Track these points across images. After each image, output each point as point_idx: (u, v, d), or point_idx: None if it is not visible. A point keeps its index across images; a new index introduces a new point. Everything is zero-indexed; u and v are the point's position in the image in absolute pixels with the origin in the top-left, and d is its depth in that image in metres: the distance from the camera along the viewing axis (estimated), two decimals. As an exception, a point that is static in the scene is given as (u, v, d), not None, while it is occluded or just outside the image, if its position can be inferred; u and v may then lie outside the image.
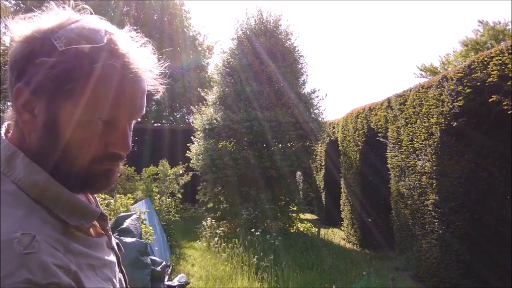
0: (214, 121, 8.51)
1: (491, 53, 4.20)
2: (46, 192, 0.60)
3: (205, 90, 9.72)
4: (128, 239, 3.68)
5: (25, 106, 0.60)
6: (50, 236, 0.56)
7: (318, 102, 9.08)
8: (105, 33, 0.61)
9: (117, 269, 0.75)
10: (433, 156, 5.03)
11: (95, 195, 0.80)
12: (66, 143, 0.60)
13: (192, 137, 9.24)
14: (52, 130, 0.60)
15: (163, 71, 0.70)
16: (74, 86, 0.58)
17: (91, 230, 0.69)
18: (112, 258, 0.73)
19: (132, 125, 0.69)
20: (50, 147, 0.61)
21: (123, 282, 0.78)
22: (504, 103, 4.01)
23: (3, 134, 0.65)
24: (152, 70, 0.66)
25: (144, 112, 0.67)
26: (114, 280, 0.71)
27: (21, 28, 0.61)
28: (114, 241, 0.78)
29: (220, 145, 8.59)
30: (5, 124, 0.67)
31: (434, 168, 5.01)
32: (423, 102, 5.35)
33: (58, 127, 0.60)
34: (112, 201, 4.83)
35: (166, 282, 4.51)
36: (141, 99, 0.65)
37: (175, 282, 4.56)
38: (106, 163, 0.65)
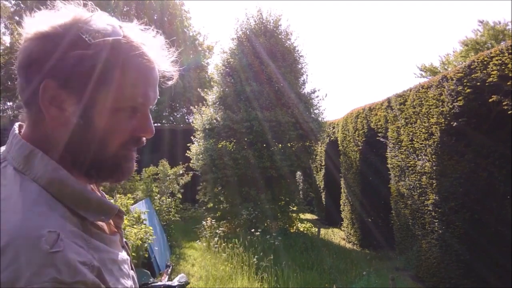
0: (214, 121, 8.51)
1: (491, 53, 4.20)
2: (66, 188, 0.60)
3: (205, 90, 9.72)
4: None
5: (53, 101, 0.60)
6: (73, 233, 0.56)
7: (318, 102, 9.09)
8: (119, 26, 0.64)
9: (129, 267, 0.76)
10: (433, 156, 5.03)
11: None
12: (101, 132, 0.62)
13: (192, 137, 9.24)
14: (87, 122, 0.61)
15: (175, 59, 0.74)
16: (106, 77, 0.60)
17: (105, 227, 0.69)
18: (125, 255, 0.74)
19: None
20: (84, 138, 0.62)
21: (136, 280, 0.78)
22: (504, 103, 4.01)
23: (16, 132, 0.65)
24: (167, 57, 0.70)
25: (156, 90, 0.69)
26: (131, 277, 0.72)
27: (35, 25, 0.61)
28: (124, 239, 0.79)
29: (220, 145, 8.59)
30: (16, 124, 0.67)
31: (434, 168, 5.01)
32: (423, 102, 5.35)
33: (93, 117, 0.61)
34: (112, 201, 4.83)
35: (166, 282, 4.51)
36: (156, 86, 0.68)
37: (175, 282, 4.56)
38: (130, 147, 0.68)
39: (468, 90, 4.42)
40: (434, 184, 5.02)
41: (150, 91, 0.66)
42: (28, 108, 0.63)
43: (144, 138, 0.69)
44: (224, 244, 6.17)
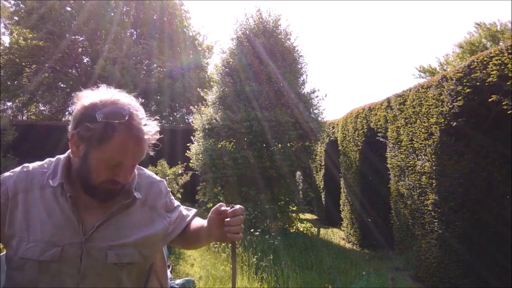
0: (214, 121, 8.50)
1: (490, 53, 4.20)
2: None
3: (205, 90, 9.72)
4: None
5: (75, 144, 1.03)
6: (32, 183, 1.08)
7: (317, 102, 9.09)
8: (128, 110, 1.00)
9: None
10: (433, 156, 5.03)
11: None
12: (90, 169, 1.01)
13: (191, 137, 9.23)
14: (85, 161, 1.01)
15: (158, 123, 1.09)
16: (99, 143, 0.98)
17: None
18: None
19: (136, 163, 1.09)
20: (82, 169, 1.02)
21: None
22: (503, 103, 4.01)
23: (62, 157, 1.13)
24: (150, 134, 1.04)
25: (141, 157, 1.06)
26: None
27: (84, 98, 1.03)
28: None
29: (220, 145, 8.59)
30: (67, 152, 1.10)
31: (434, 168, 5.01)
32: (422, 102, 5.35)
33: (88, 161, 1.00)
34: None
35: (170, 282, 4.47)
36: (139, 152, 1.03)
37: (177, 281, 4.53)
38: (109, 185, 1.03)
39: (468, 90, 4.42)
40: (434, 184, 5.02)
41: (126, 160, 1.01)
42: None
43: (122, 182, 1.04)
44: (223, 244, 6.17)
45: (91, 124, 0.97)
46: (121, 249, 1.06)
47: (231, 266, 5.33)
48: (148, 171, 1.25)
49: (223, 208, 1.11)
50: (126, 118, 0.97)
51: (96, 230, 1.04)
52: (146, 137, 1.02)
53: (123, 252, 1.06)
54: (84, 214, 1.05)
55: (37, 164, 1.12)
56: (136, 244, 1.08)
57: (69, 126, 1.04)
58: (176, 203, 1.30)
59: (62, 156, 1.12)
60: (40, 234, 1.00)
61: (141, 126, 1.01)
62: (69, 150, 1.08)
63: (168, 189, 1.29)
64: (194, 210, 1.35)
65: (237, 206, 1.11)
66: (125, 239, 1.07)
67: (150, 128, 1.03)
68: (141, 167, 1.23)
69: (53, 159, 1.13)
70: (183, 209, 1.31)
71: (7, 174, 1.08)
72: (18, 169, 1.09)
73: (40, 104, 20.69)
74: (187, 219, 1.28)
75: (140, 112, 1.03)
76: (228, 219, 1.09)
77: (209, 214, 1.14)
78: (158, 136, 1.07)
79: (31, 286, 0.99)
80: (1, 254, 1.20)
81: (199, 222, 1.27)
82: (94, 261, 1.02)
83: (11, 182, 1.05)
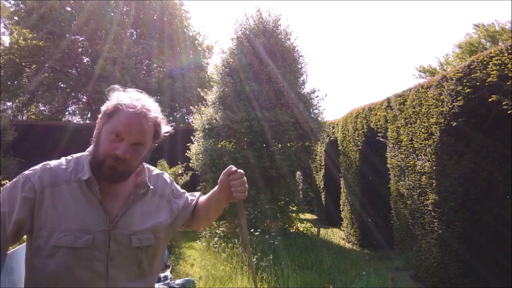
0: (214, 121, 8.50)
1: (490, 53, 4.20)
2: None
3: (205, 90, 9.71)
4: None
5: (97, 126, 1.22)
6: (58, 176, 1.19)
7: (317, 102, 9.08)
8: (136, 98, 1.21)
9: None
10: (433, 156, 5.03)
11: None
12: (99, 143, 1.18)
13: (191, 137, 9.23)
14: (98, 137, 1.20)
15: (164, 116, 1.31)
16: (109, 118, 1.18)
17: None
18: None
19: (139, 146, 1.20)
20: (95, 144, 1.21)
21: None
22: (503, 103, 4.01)
23: (80, 155, 1.27)
24: (151, 118, 1.22)
25: (142, 138, 1.19)
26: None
27: (113, 98, 1.21)
28: None
29: (220, 145, 8.58)
30: (87, 150, 1.28)
31: (434, 168, 5.01)
32: (422, 102, 5.35)
33: (100, 135, 1.19)
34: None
35: (170, 282, 4.49)
36: (138, 130, 1.18)
37: (177, 281, 4.53)
38: (111, 161, 1.15)
39: (468, 90, 4.42)
40: (434, 184, 5.01)
41: (125, 132, 1.16)
42: None
43: (119, 156, 1.14)
44: (223, 244, 6.17)
45: (109, 105, 1.19)
46: (142, 234, 1.22)
47: (231, 266, 5.34)
48: (152, 167, 1.42)
49: (233, 169, 1.31)
50: (132, 103, 1.17)
51: (120, 218, 1.18)
52: (147, 122, 1.18)
53: (144, 236, 1.22)
54: (107, 204, 1.19)
55: (56, 162, 1.22)
56: (153, 229, 1.25)
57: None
58: (182, 190, 1.48)
59: (79, 155, 1.25)
60: (72, 224, 1.12)
61: (143, 110, 1.17)
62: (89, 149, 1.25)
63: (171, 178, 1.47)
64: (198, 193, 1.53)
65: (239, 170, 1.31)
66: (144, 225, 1.23)
67: (153, 115, 1.21)
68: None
69: (70, 158, 1.24)
70: (189, 196, 1.48)
71: (27, 172, 1.17)
72: (38, 166, 1.18)
73: (40, 104, 20.68)
74: (193, 203, 1.46)
75: (149, 104, 1.22)
76: (234, 181, 1.30)
77: (220, 177, 1.33)
78: (165, 132, 1.27)
79: (66, 271, 1.10)
80: (18, 247, 1.29)
81: (205, 196, 1.46)
82: (120, 246, 1.17)
83: (36, 178, 1.14)
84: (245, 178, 1.33)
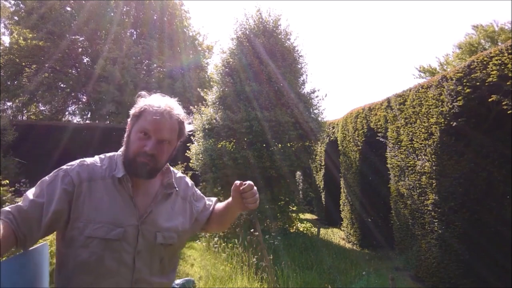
0: (214, 121, 8.49)
1: (490, 53, 4.20)
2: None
3: (205, 90, 9.71)
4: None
5: (127, 127, 1.32)
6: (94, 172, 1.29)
7: (317, 102, 9.07)
8: (161, 100, 1.32)
9: None
10: (433, 156, 5.03)
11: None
12: (129, 142, 1.28)
13: (191, 137, 9.23)
14: (128, 136, 1.30)
15: (183, 115, 1.39)
16: (137, 119, 1.29)
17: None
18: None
19: (166, 143, 1.30)
20: (126, 144, 1.30)
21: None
22: (503, 103, 4.01)
23: (113, 154, 1.37)
24: (175, 117, 1.33)
25: (167, 135, 1.29)
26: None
27: (142, 102, 1.32)
28: None
29: (220, 145, 8.58)
30: (120, 150, 1.38)
31: (434, 168, 5.01)
32: (422, 102, 5.35)
33: (130, 136, 1.29)
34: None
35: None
36: (163, 129, 1.27)
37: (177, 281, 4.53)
38: (141, 158, 1.24)
39: (468, 90, 4.42)
40: (434, 184, 5.01)
41: (152, 130, 1.26)
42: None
43: (148, 152, 1.24)
44: (223, 244, 6.17)
45: (136, 108, 1.30)
46: (166, 232, 1.30)
47: (231, 266, 5.33)
48: (175, 170, 1.50)
49: (238, 183, 1.37)
50: (157, 104, 1.28)
51: (148, 215, 1.28)
52: (171, 119, 1.29)
53: (167, 234, 1.31)
54: (137, 201, 1.28)
55: (91, 159, 1.33)
56: (176, 229, 1.34)
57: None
58: (201, 194, 1.58)
59: (111, 154, 1.37)
60: (106, 217, 1.21)
61: (167, 109, 1.28)
62: (121, 149, 1.35)
63: (192, 182, 1.56)
64: (214, 199, 1.63)
65: (247, 182, 1.37)
66: (168, 224, 1.32)
67: (176, 112, 1.32)
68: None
69: (103, 156, 1.35)
70: (207, 200, 1.58)
71: (65, 167, 1.27)
72: (76, 162, 1.29)
73: (40, 104, 20.68)
74: (210, 208, 1.55)
75: (172, 103, 1.34)
76: (245, 194, 1.36)
77: (231, 193, 1.41)
78: (188, 132, 1.38)
79: (97, 261, 1.18)
80: (44, 243, 1.32)
81: (222, 204, 1.55)
82: (146, 241, 1.25)
83: (75, 173, 1.24)
84: (255, 188, 1.38)
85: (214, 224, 1.56)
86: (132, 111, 1.31)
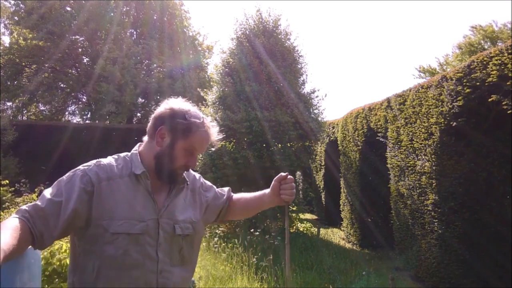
0: (214, 121, 8.48)
1: (490, 53, 4.20)
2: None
3: (205, 90, 9.72)
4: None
5: (161, 136, 1.34)
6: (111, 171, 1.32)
7: (317, 102, 9.08)
8: (201, 117, 1.37)
9: None
10: (433, 156, 5.03)
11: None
12: (173, 155, 1.33)
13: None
14: (171, 149, 1.33)
15: (219, 130, 1.47)
16: (185, 135, 1.32)
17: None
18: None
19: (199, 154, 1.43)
20: (167, 155, 1.34)
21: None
22: (503, 103, 4.01)
23: (136, 148, 1.42)
24: (215, 134, 1.41)
25: (205, 149, 1.46)
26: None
27: (169, 104, 1.37)
28: None
29: (220, 145, 8.58)
30: (138, 144, 1.43)
31: (434, 168, 5.01)
32: (422, 102, 5.35)
33: (174, 149, 1.33)
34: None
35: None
36: (206, 144, 1.40)
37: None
38: (182, 170, 1.38)
39: (468, 90, 4.42)
40: (434, 184, 5.01)
41: (199, 150, 1.38)
42: (150, 137, 1.38)
43: (191, 167, 1.40)
44: (223, 244, 6.17)
45: (183, 121, 1.32)
46: (183, 224, 1.39)
47: (230, 266, 5.33)
48: None
49: (284, 174, 1.49)
50: (202, 120, 1.36)
51: (166, 209, 1.35)
52: (211, 137, 1.40)
53: (184, 226, 1.39)
54: (154, 196, 1.35)
55: (106, 160, 1.38)
56: (190, 220, 1.43)
57: (150, 124, 1.38)
58: (210, 184, 1.67)
59: (124, 154, 1.42)
60: (128, 213, 1.26)
61: (209, 129, 1.39)
62: (136, 148, 1.42)
63: (199, 174, 1.66)
64: (227, 188, 1.72)
65: (289, 176, 1.49)
66: (183, 216, 1.40)
67: (215, 130, 1.42)
68: None
69: (116, 157, 1.41)
70: (218, 190, 1.67)
71: (83, 167, 1.30)
72: (92, 163, 1.33)
73: (40, 104, 20.67)
74: (224, 196, 1.65)
75: (208, 121, 1.42)
76: (285, 185, 1.48)
77: (272, 182, 1.51)
78: (220, 137, 1.46)
79: (123, 255, 1.23)
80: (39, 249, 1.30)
81: (252, 194, 1.65)
82: (166, 233, 1.32)
83: (93, 173, 1.27)
84: (294, 183, 1.51)
85: (238, 211, 1.66)
86: (178, 123, 1.33)
